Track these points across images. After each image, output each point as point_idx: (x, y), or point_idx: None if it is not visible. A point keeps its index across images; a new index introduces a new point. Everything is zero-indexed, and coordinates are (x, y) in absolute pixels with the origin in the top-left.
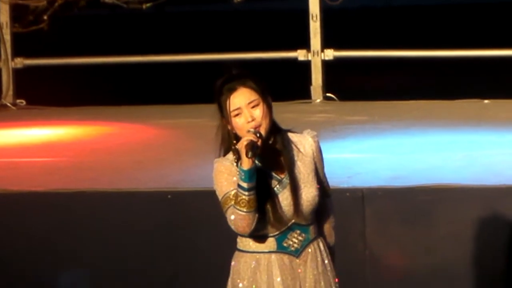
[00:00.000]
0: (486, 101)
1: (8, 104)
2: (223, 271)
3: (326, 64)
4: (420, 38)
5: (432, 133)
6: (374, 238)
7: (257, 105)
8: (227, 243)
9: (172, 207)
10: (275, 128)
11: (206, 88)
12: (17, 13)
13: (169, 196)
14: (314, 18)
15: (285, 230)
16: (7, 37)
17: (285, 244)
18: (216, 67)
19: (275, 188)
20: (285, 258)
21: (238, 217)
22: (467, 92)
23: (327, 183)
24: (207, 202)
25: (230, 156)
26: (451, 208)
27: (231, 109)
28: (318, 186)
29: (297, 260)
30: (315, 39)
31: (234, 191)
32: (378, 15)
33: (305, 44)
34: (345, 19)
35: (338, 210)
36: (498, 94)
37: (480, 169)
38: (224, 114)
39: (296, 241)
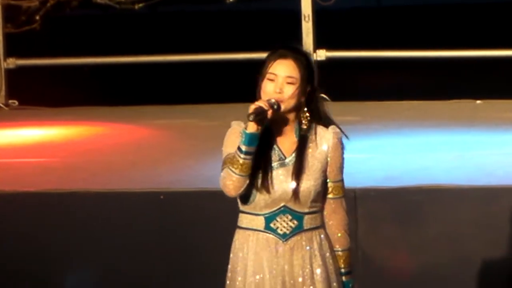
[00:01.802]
0: (478, 101)
1: (1, 105)
2: (217, 271)
3: (318, 65)
4: (413, 39)
5: (425, 134)
6: (366, 238)
7: (292, 83)
8: (220, 243)
9: (165, 208)
10: (307, 114)
11: (198, 89)
12: (9, 13)
13: (161, 197)
14: (307, 19)
15: (275, 211)
16: None
17: (272, 225)
18: (208, 67)
19: (274, 164)
20: (271, 239)
21: (228, 177)
22: (459, 93)
23: (342, 183)
24: (200, 203)
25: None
26: (443, 209)
27: (270, 70)
28: (319, 180)
29: (284, 245)
30: (308, 39)
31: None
32: (370, 15)
33: (297, 44)
34: (337, 19)
35: None
36: (490, 95)
37: (472, 169)
38: (262, 71)
39: (286, 225)
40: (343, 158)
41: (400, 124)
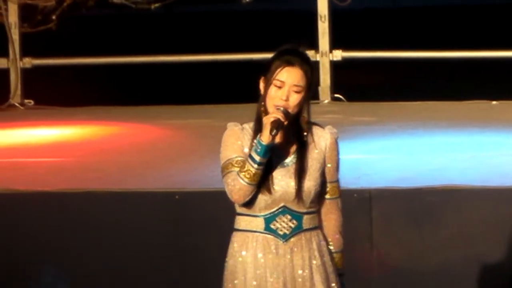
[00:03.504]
0: (493, 102)
1: (16, 104)
2: None
3: (334, 65)
4: (428, 39)
5: (440, 134)
6: (381, 238)
7: (298, 92)
8: None
9: (180, 208)
10: (303, 118)
11: (214, 88)
12: (26, 13)
13: (176, 197)
14: (323, 19)
15: (274, 212)
16: (16, 37)
17: (272, 226)
18: (224, 67)
19: (274, 165)
20: (271, 240)
21: (238, 185)
22: (474, 93)
23: (338, 183)
24: (214, 203)
25: (245, 125)
26: (458, 209)
27: (277, 77)
28: (319, 180)
29: (284, 246)
30: (324, 39)
31: (238, 158)
32: (385, 16)
33: (313, 44)
34: (353, 19)
35: (345, 210)
36: (506, 95)
37: (487, 170)
38: (267, 75)
39: (286, 225)
40: (339, 158)
41: (415, 125)
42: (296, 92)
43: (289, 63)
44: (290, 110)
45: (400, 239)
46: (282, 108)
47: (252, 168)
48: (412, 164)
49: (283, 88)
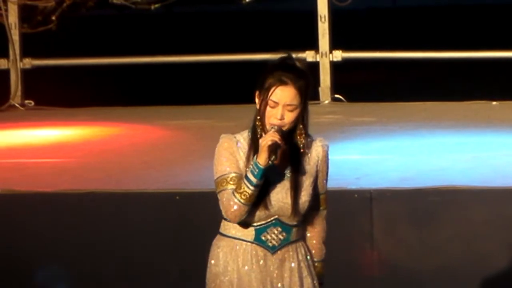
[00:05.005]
0: (494, 102)
1: (17, 105)
2: None
3: (334, 65)
4: (428, 39)
5: (440, 135)
6: (382, 239)
7: (292, 110)
8: None
9: (180, 208)
10: (303, 131)
11: (214, 89)
12: (26, 14)
13: (177, 197)
14: (323, 19)
15: (266, 224)
16: (16, 37)
17: (263, 238)
18: (224, 68)
19: (270, 179)
20: (260, 251)
21: (233, 204)
22: (475, 94)
23: (326, 196)
24: (215, 203)
25: (239, 136)
26: (459, 210)
27: (271, 98)
28: (312, 194)
29: (272, 257)
30: (324, 40)
31: (232, 174)
32: (386, 16)
33: (313, 45)
34: (353, 20)
35: (346, 211)
36: (506, 96)
37: (488, 171)
38: (262, 92)
39: (275, 237)
40: (328, 171)
41: (416, 125)
42: (290, 111)
43: (282, 82)
44: (285, 128)
45: (401, 240)
46: (276, 127)
47: (249, 189)
48: (413, 165)
49: (277, 108)
